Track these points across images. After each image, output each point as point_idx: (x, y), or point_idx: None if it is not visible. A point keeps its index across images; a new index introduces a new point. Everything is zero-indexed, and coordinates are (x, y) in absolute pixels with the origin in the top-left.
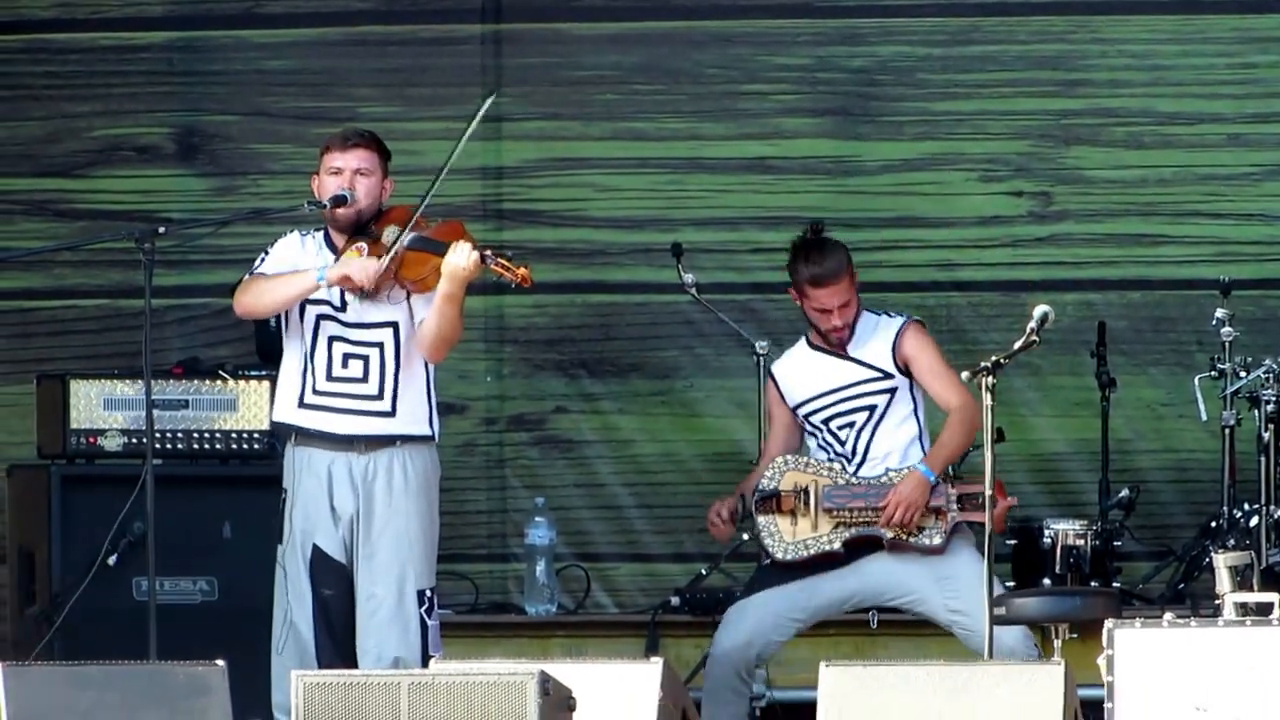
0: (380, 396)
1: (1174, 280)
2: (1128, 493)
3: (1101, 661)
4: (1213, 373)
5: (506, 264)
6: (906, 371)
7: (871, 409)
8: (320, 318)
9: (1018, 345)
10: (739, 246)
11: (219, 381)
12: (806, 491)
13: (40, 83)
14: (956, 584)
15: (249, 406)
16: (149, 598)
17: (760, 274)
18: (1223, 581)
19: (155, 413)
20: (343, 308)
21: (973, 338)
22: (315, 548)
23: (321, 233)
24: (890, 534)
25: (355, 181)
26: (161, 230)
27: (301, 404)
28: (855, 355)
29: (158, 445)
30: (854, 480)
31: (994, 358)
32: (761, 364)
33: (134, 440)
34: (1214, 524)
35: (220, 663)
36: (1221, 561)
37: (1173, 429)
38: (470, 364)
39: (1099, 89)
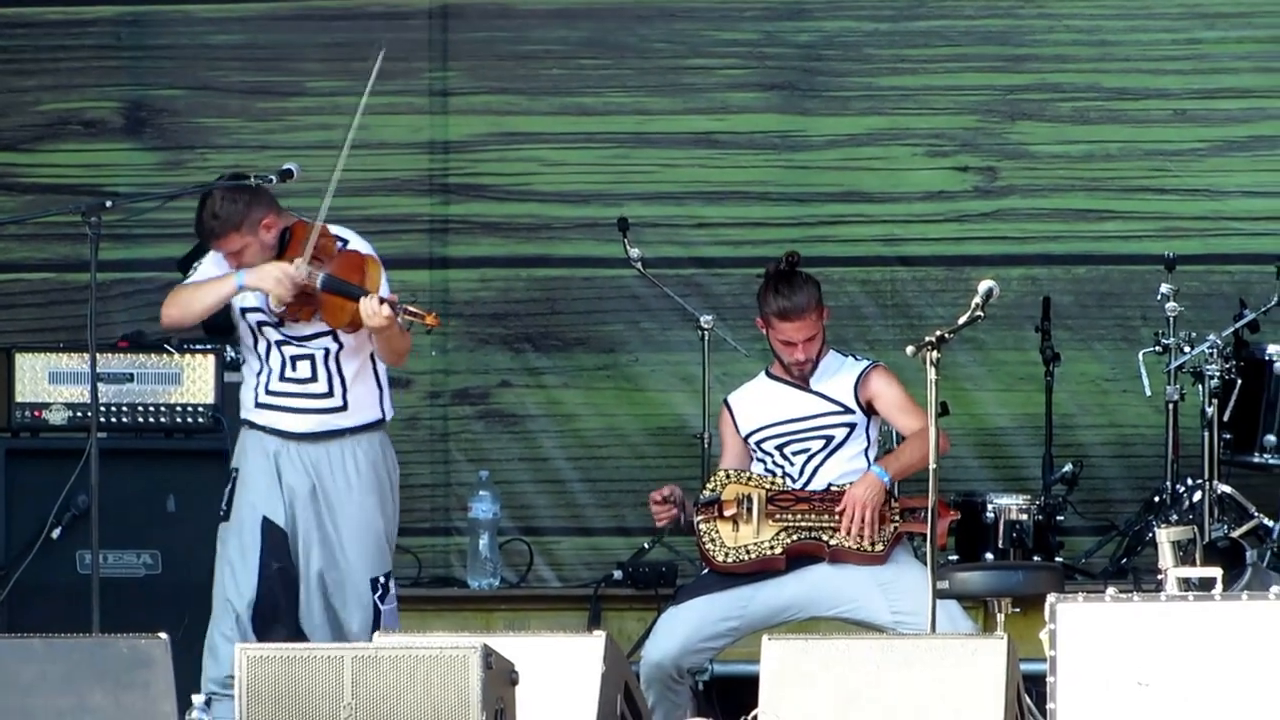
0: (331, 394)
1: (1119, 255)
2: (1071, 467)
3: (1044, 636)
4: (1157, 348)
5: (415, 312)
6: (867, 412)
7: (829, 439)
8: (260, 324)
9: (962, 320)
10: (684, 221)
11: (164, 355)
12: (749, 499)
13: None
14: (899, 587)
15: (193, 380)
16: (92, 571)
17: (705, 249)
18: (1165, 556)
19: (100, 386)
20: (280, 322)
21: (918, 312)
22: (266, 520)
23: None
24: (832, 540)
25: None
26: (108, 204)
27: (258, 404)
28: (817, 388)
29: (102, 419)
30: (798, 489)
31: (938, 332)
32: (706, 339)
33: (78, 414)
34: (1157, 499)
35: (163, 636)
36: (1164, 536)
37: (1117, 404)
38: (415, 338)
39: (1045, 64)
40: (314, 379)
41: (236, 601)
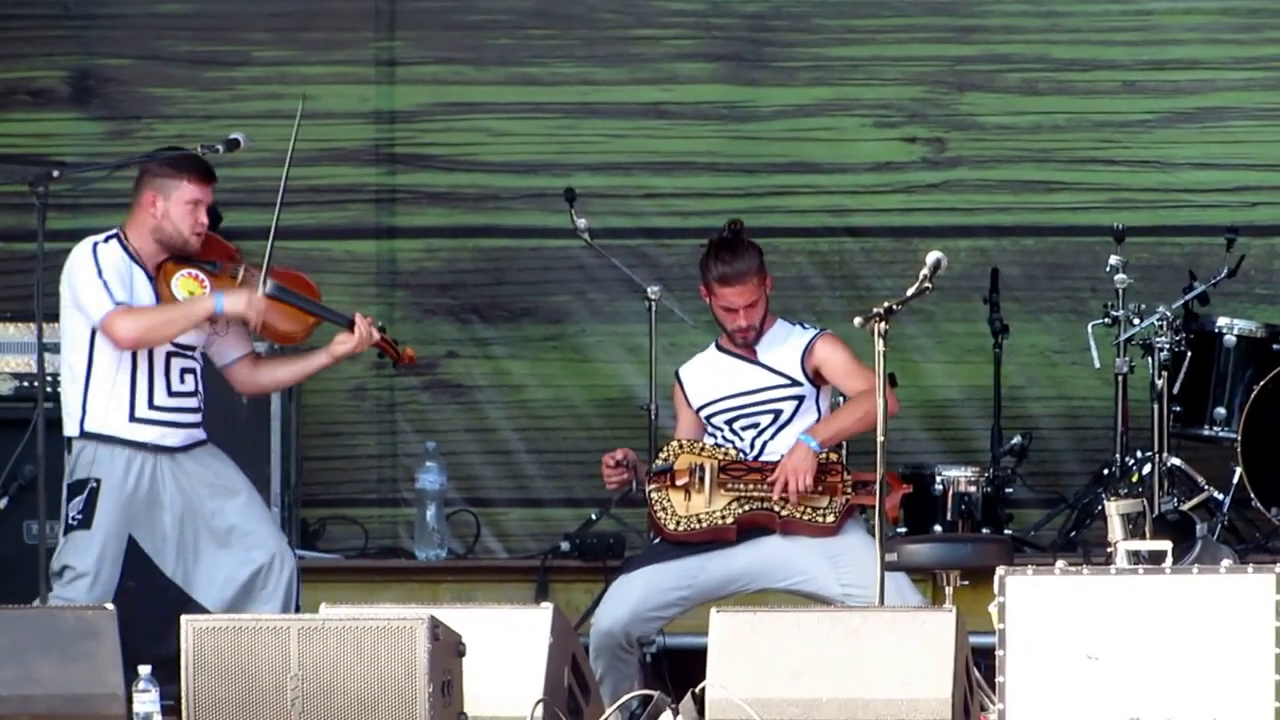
0: (200, 406)
1: (1068, 227)
2: (1020, 440)
3: (993, 609)
4: (1106, 320)
5: (391, 342)
6: (815, 382)
7: (777, 414)
8: None
9: (910, 291)
10: (632, 191)
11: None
12: (702, 468)
13: None
14: (849, 559)
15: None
16: (39, 541)
17: (653, 219)
18: (1115, 529)
19: (47, 356)
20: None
21: (866, 284)
22: (132, 540)
23: (117, 243)
24: (784, 511)
25: (201, 215)
26: (55, 174)
27: (134, 419)
28: (764, 361)
29: (49, 389)
30: (750, 460)
31: (886, 304)
32: (653, 309)
33: (25, 384)
34: (1106, 471)
35: (109, 606)
36: (1114, 509)
37: (1065, 376)
38: (361, 308)
39: (993, 35)
40: (195, 393)
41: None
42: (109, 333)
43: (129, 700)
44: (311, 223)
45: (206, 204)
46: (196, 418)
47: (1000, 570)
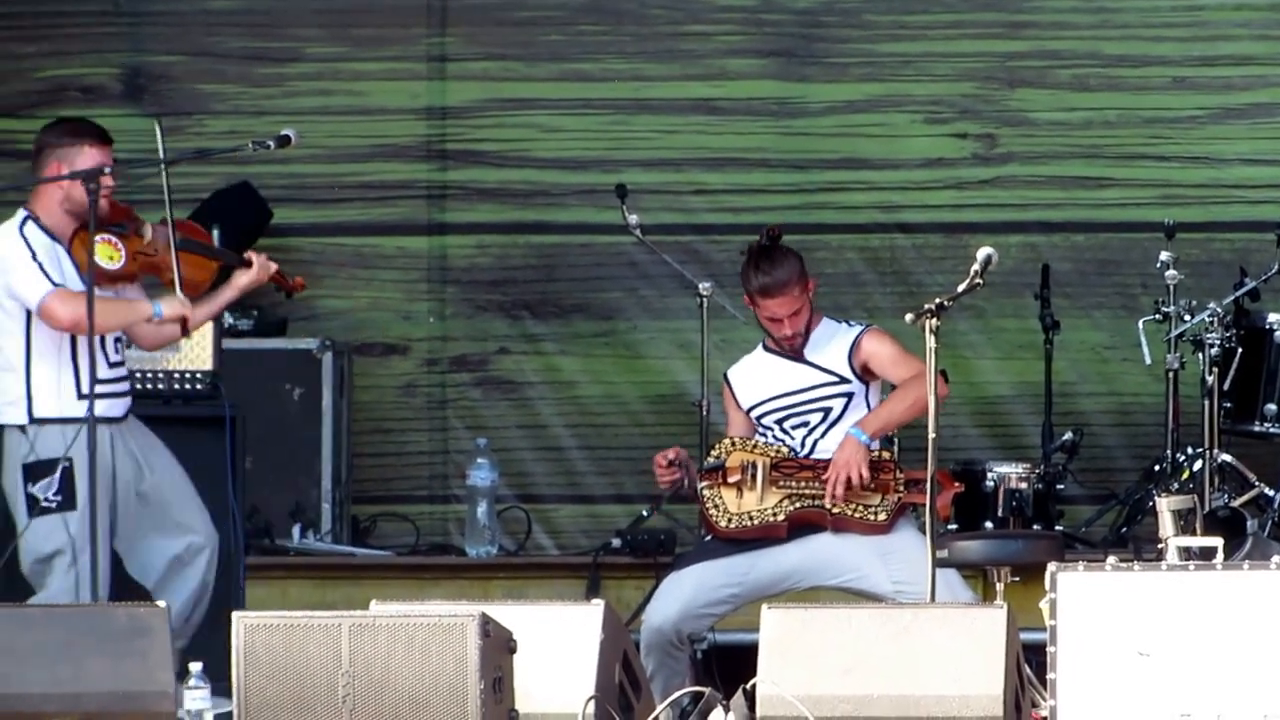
0: (130, 374)
1: (1118, 223)
2: (1071, 436)
3: (1044, 605)
4: (1157, 316)
5: (283, 274)
6: (863, 378)
7: (827, 411)
8: None
9: (961, 287)
10: (683, 188)
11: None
12: (753, 466)
13: None
14: (900, 556)
15: (192, 346)
16: (91, 540)
17: (704, 215)
18: (1166, 526)
19: None
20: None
21: (916, 280)
22: (110, 510)
23: (28, 220)
24: (835, 508)
25: (107, 179)
26: (106, 170)
27: (80, 395)
28: (812, 359)
29: None
30: (802, 458)
31: (937, 300)
32: (705, 306)
33: None
34: (1157, 468)
35: (162, 604)
36: (1165, 505)
37: (1116, 372)
38: (413, 304)
39: (1044, 31)
40: (123, 361)
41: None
42: (48, 315)
43: (180, 697)
44: (363, 219)
45: (109, 164)
46: (126, 385)
47: (1051, 566)
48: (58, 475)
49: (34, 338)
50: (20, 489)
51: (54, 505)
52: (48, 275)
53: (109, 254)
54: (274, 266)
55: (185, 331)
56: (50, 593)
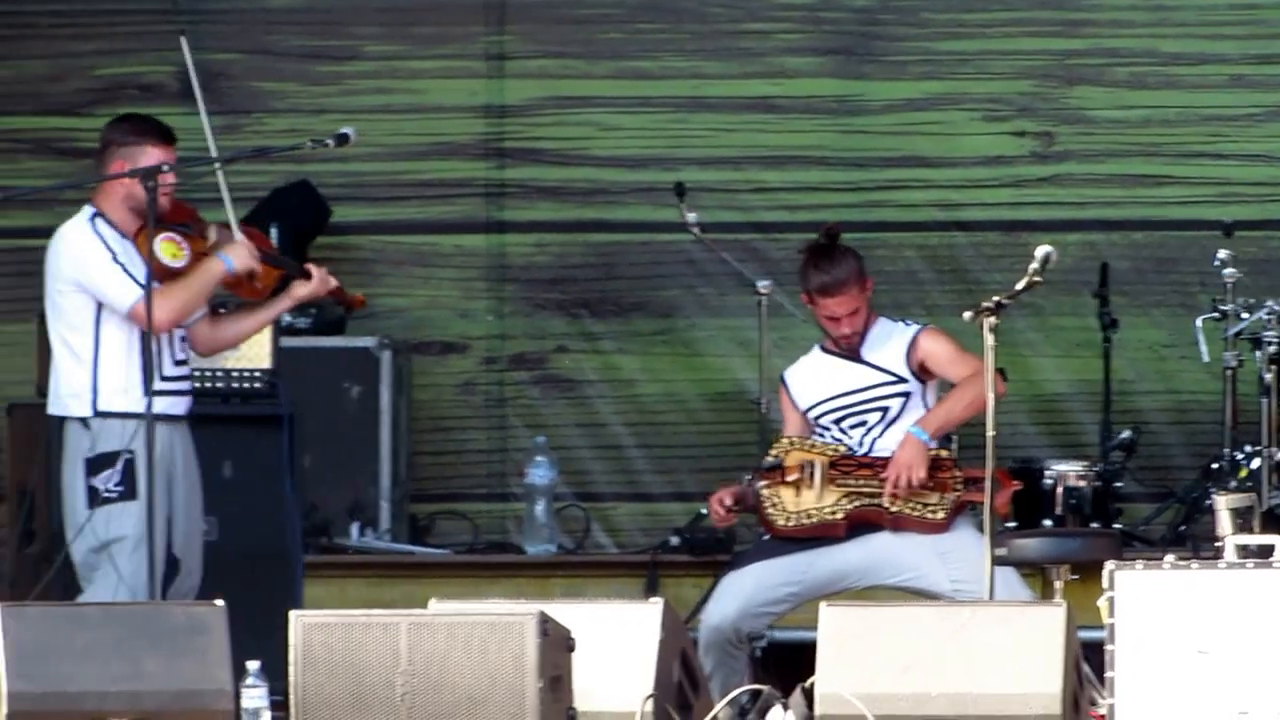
0: (191, 374)
1: (1176, 221)
2: (1129, 434)
3: (1102, 603)
4: (1215, 314)
5: (343, 290)
6: (920, 377)
7: (885, 410)
8: None
9: (1020, 285)
10: (742, 186)
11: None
12: (812, 465)
13: (44, 21)
14: (958, 555)
15: (250, 345)
16: (147, 539)
17: (762, 213)
18: (1224, 524)
19: None
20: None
21: (975, 278)
22: (168, 503)
23: (96, 217)
24: (894, 507)
25: (169, 177)
26: (164, 168)
27: (147, 392)
28: (869, 359)
29: None
30: (861, 456)
31: (996, 298)
32: (763, 304)
33: None
34: (1215, 466)
35: (219, 602)
36: (1223, 503)
37: (1174, 370)
38: (471, 303)
39: (1102, 29)
40: (187, 360)
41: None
42: (141, 318)
43: (237, 696)
44: (421, 217)
45: (171, 162)
46: (190, 384)
47: (1109, 564)
48: (120, 467)
49: (103, 332)
50: (81, 481)
51: (115, 496)
52: (133, 277)
53: (173, 251)
54: (333, 281)
55: (236, 343)
56: (108, 582)
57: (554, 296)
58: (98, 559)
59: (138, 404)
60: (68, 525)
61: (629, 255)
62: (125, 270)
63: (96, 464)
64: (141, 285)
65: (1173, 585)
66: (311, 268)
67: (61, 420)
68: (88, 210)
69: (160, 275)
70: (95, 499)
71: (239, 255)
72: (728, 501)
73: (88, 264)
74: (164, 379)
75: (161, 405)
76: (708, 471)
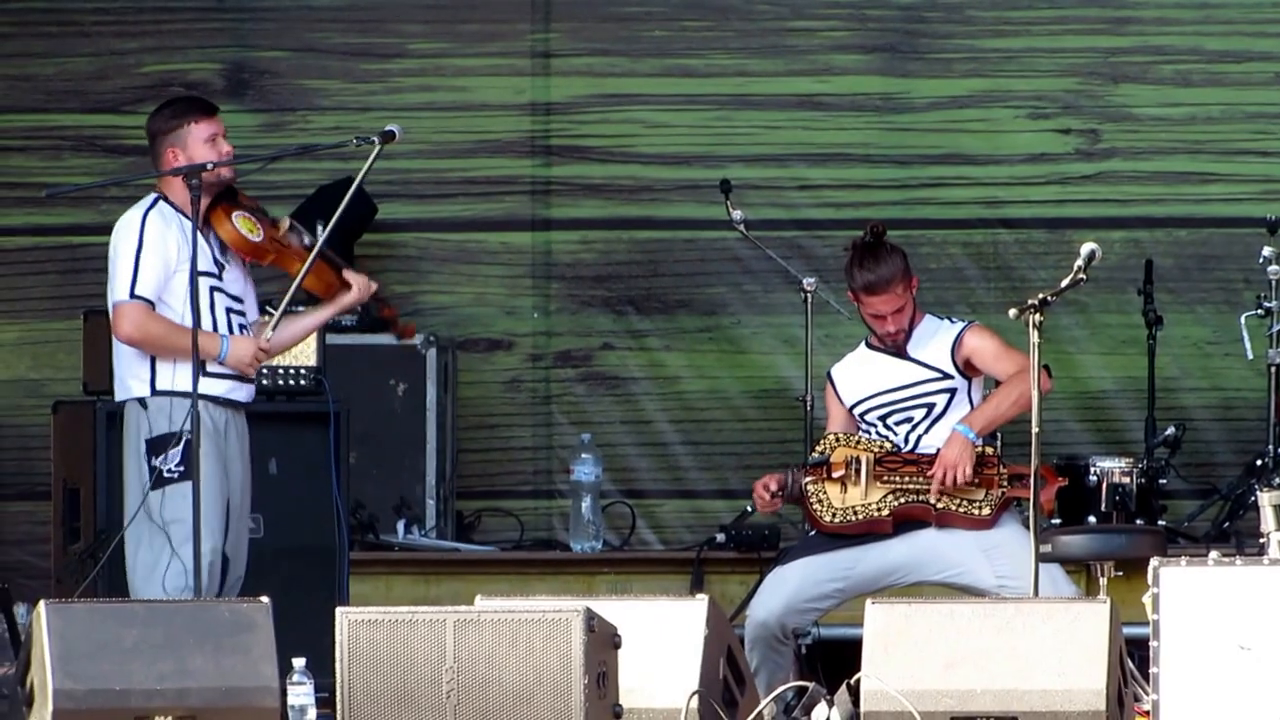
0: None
1: (1221, 218)
2: (1174, 431)
3: (1147, 600)
4: (1259, 311)
5: (385, 300)
6: (966, 374)
7: (930, 407)
8: (213, 290)
9: (1065, 283)
10: (787, 183)
11: (265, 317)
12: (858, 461)
13: (90, 19)
14: (1003, 551)
15: None
16: (193, 536)
17: (808, 211)
18: (1268, 520)
19: None
20: (220, 274)
21: (1020, 275)
22: (223, 485)
23: (158, 201)
24: (940, 504)
25: (223, 145)
26: (209, 166)
27: (207, 373)
28: (914, 356)
29: None
30: (906, 452)
31: (1041, 295)
32: (809, 301)
33: None
34: (1260, 462)
35: (265, 599)
36: (1267, 500)
37: (1219, 367)
38: (517, 300)
39: (1147, 26)
40: None
41: (204, 554)
42: (117, 316)
43: (283, 693)
44: (467, 214)
45: (221, 133)
46: (253, 372)
47: (1154, 561)
48: (181, 447)
49: (159, 313)
50: (143, 462)
51: (176, 476)
52: (138, 277)
53: (249, 226)
54: (374, 286)
55: (284, 350)
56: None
57: (599, 294)
58: (157, 540)
59: (191, 384)
60: (128, 507)
61: (674, 252)
62: (136, 266)
63: (157, 445)
64: (139, 296)
65: (1217, 582)
66: (350, 275)
67: (121, 406)
68: (150, 196)
69: (236, 245)
70: (158, 479)
71: (236, 353)
72: (773, 487)
73: (116, 244)
74: (220, 362)
75: (222, 388)
76: (753, 468)
